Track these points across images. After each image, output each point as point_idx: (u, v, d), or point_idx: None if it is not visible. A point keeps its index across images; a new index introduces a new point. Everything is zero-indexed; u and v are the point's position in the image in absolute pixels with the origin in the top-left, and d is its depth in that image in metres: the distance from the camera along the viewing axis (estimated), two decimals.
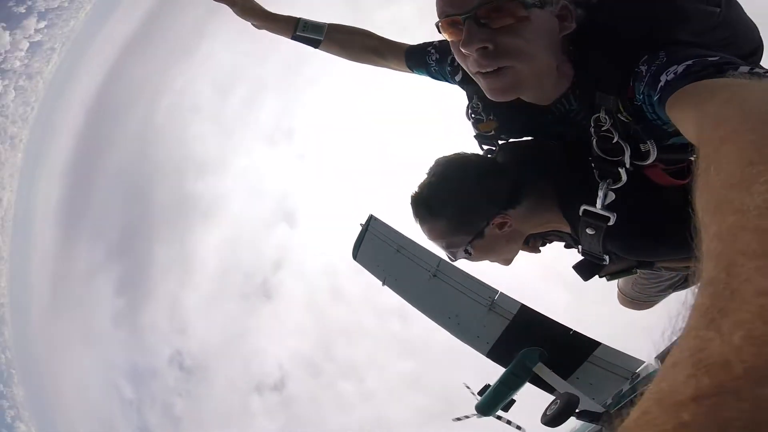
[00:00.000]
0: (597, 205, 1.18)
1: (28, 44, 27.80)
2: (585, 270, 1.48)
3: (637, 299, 2.06)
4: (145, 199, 31.60)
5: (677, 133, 1.05)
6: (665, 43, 1.04)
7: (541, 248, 1.70)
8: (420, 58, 1.61)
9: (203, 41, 30.61)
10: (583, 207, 1.21)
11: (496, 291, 4.21)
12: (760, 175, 0.37)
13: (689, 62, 0.90)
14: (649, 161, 1.15)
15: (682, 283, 1.92)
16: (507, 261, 1.51)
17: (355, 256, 4.37)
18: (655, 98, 0.97)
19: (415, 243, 4.18)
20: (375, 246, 4.32)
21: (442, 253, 1.52)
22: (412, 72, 1.69)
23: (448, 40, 1.17)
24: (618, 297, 2.16)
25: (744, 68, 0.85)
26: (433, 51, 1.56)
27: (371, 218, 4.34)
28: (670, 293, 1.97)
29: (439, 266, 4.22)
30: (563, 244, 1.61)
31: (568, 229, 1.40)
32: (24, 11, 25.84)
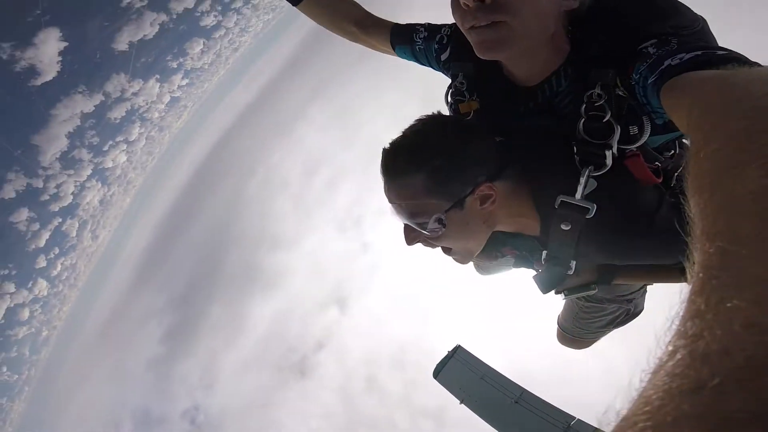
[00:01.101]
0: (576, 194, 1.12)
1: (169, 98, 29.64)
2: (546, 280, 1.38)
3: (578, 336, 2.00)
4: (217, 260, 34.20)
5: (658, 131, 1.10)
6: (670, 33, 1.05)
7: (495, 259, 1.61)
8: (407, 35, 1.55)
9: (301, 122, 34.31)
10: (560, 198, 1.13)
11: (573, 417, 4.30)
12: (751, 161, 0.37)
13: (698, 52, 0.89)
14: (639, 143, 1.12)
15: (623, 319, 1.90)
16: (469, 254, 1.33)
17: (435, 375, 4.62)
18: (651, 80, 0.96)
19: (500, 374, 4.51)
20: (459, 371, 4.57)
21: (399, 224, 1.27)
22: (394, 51, 1.61)
23: None
24: (557, 335, 2.11)
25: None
26: (421, 29, 1.52)
27: (458, 347, 4.71)
28: (610, 330, 1.93)
29: (522, 395, 4.44)
30: (512, 263, 1.55)
31: (535, 229, 1.28)
32: (176, 66, 27.74)
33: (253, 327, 30.90)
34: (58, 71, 17.56)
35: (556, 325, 2.11)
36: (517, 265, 1.55)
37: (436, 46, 1.48)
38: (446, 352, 4.75)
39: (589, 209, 1.11)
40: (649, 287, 1.84)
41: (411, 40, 1.54)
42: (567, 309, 2.02)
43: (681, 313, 0.30)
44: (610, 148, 1.10)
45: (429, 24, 1.53)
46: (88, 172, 26.03)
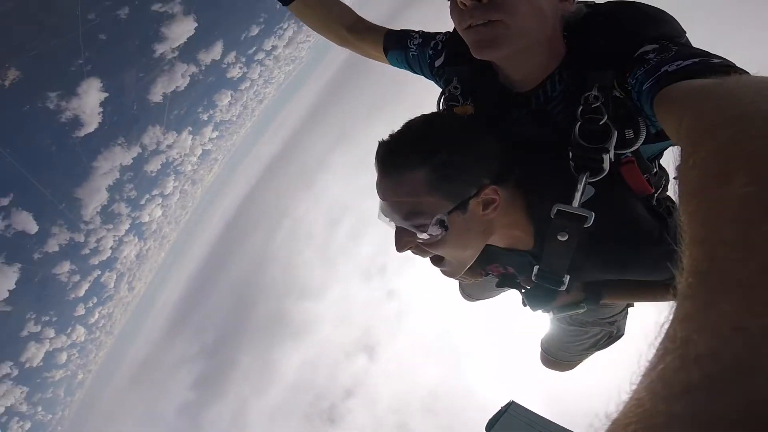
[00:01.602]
0: (574, 203, 1.07)
1: (201, 151, 29.83)
2: (538, 298, 1.33)
3: (562, 359, 1.99)
4: (246, 310, 34.78)
5: (650, 139, 1.09)
6: (667, 39, 1.04)
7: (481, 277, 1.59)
8: (401, 40, 1.52)
9: (323, 172, 35.20)
10: (556, 207, 1.08)
11: None
12: (737, 168, 0.37)
13: (696, 59, 0.88)
14: (634, 147, 1.09)
15: (606, 341, 1.89)
16: (462, 266, 1.22)
17: (488, 430, 4.58)
18: (646, 86, 0.94)
19: (559, 426, 4.39)
20: (512, 426, 4.50)
21: (389, 223, 1.17)
22: (386, 57, 1.57)
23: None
24: (541, 358, 2.10)
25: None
26: (416, 35, 1.49)
27: (511, 403, 4.63)
28: (593, 352, 1.94)
29: None
30: (496, 282, 1.50)
31: (528, 243, 1.22)
32: (206, 119, 28.07)
33: (281, 375, 30.89)
34: (99, 122, 18.18)
35: (540, 349, 2.10)
36: (501, 284, 1.50)
37: (430, 52, 1.45)
38: (499, 408, 4.70)
39: (587, 218, 1.05)
40: (630, 310, 1.84)
41: (405, 46, 1.51)
42: (550, 332, 2.01)
43: (671, 318, 0.31)
44: (608, 152, 1.06)
45: (423, 31, 1.51)
46: (126, 226, 26.63)
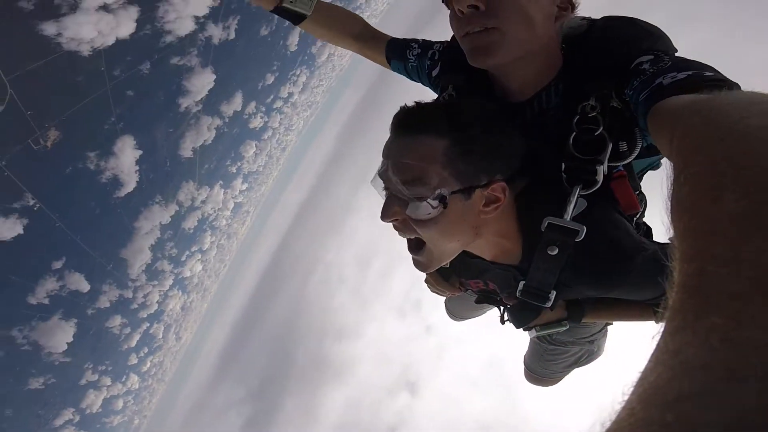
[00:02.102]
0: (565, 216, 1.04)
1: (233, 204, 30.79)
2: (523, 314, 1.33)
3: (544, 375, 1.98)
4: (288, 354, 35.52)
5: (642, 153, 1.07)
6: (662, 51, 1.05)
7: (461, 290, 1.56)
8: (401, 51, 1.54)
9: (350, 215, 36.79)
10: (547, 220, 1.05)
11: None
12: (728, 184, 0.38)
13: (689, 72, 0.88)
14: (628, 160, 1.08)
15: (586, 359, 1.90)
16: (440, 259, 1.16)
17: None
18: (642, 97, 0.93)
19: None
20: None
21: (380, 190, 1.14)
22: (389, 65, 1.60)
23: (447, 6, 1.14)
24: (524, 374, 2.10)
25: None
26: (415, 45, 1.50)
27: None
28: (574, 368, 1.94)
29: None
30: (474, 298, 1.49)
31: (515, 256, 1.18)
32: (235, 171, 28.73)
33: (326, 415, 30.99)
34: (137, 181, 19.23)
35: (523, 365, 2.07)
36: (479, 300, 1.48)
37: (428, 63, 1.46)
38: None
39: (578, 232, 1.02)
40: (609, 329, 1.87)
41: (404, 57, 1.53)
42: (532, 350, 1.98)
43: (662, 330, 0.32)
44: (602, 164, 1.04)
45: (423, 40, 1.52)
46: (170, 282, 28.09)
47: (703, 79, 0.86)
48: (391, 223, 1.13)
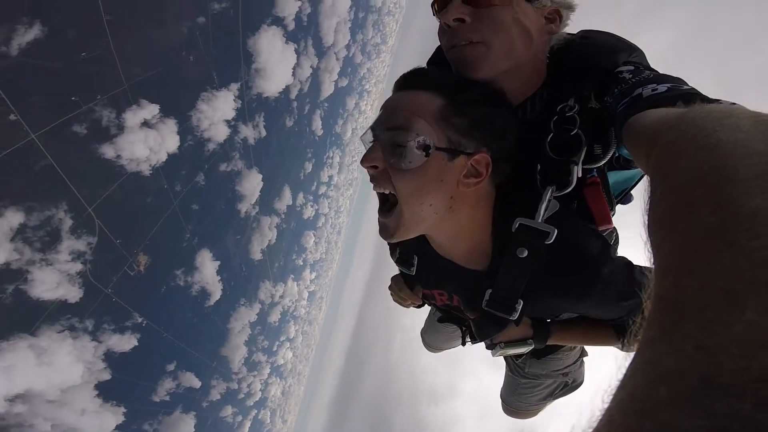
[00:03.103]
0: (537, 217, 1.02)
1: (307, 294, 32.73)
2: (487, 326, 1.23)
3: (520, 408, 1.94)
4: (387, 423, 36.54)
5: (614, 165, 1.11)
6: (642, 64, 1.07)
7: (419, 304, 1.55)
8: None
9: None
10: (518, 221, 1.03)
11: None
12: (701, 199, 0.39)
13: (669, 85, 0.88)
14: (601, 163, 1.08)
15: (562, 390, 1.85)
16: (411, 222, 1.06)
17: None
18: (621, 106, 0.92)
19: None
20: None
21: (368, 144, 1.08)
22: None
23: (435, 16, 1.16)
24: (502, 408, 2.08)
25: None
26: None
27: None
28: (551, 401, 1.89)
29: None
30: (438, 317, 1.47)
31: (483, 260, 1.14)
32: (302, 263, 30.33)
33: None
34: (222, 289, 21.73)
35: (500, 400, 2.05)
36: (443, 320, 1.49)
37: None
38: None
39: (549, 233, 1.00)
40: (586, 359, 1.86)
41: None
42: (507, 384, 1.96)
43: (639, 340, 0.33)
44: (576, 164, 1.03)
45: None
46: (268, 371, 30.70)
47: (681, 92, 0.85)
48: (369, 173, 1.07)
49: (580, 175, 1.06)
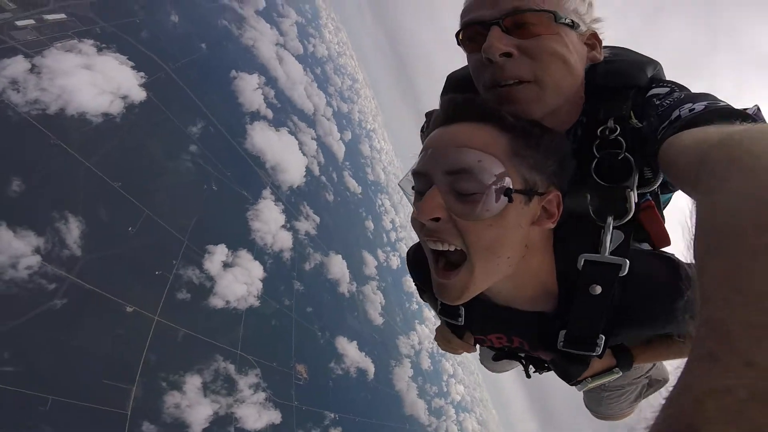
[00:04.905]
0: (603, 251, 0.94)
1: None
2: (572, 368, 1.14)
3: (613, 416, 1.79)
4: None
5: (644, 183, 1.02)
6: (676, 85, 1.02)
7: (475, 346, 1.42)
8: None
9: None
10: (583, 257, 0.95)
11: None
12: (753, 221, 0.39)
13: (706, 103, 0.84)
14: (654, 186, 1.02)
15: (648, 390, 1.73)
16: (481, 279, 0.93)
17: None
18: (661, 131, 0.88)
19: None
20: None
21: (411, 190, 1.02)
22: None
23: (464, 50, 1.06)
24: (593, 416, 1.91)
25: (745, 116, 0.79)
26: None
27: None
28: (640, 401, 1.76)
29: None
30: (492, 354, 1.38)
31: (549, 301, 1.04)
32: (417, 306, 32.87)
33: None
34: (372, 362, 25.10)
35: (589, 411, 1.89)
36: (498, 357, 1.35)
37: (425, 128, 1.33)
38: None
39: (621, 266, 0.93)
40: None
41: None
42: (590, 398, 1.82)
43: (686, 359, 0.34)
44: (631, 189, 0.96)
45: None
46: (452, 411, 33.06)
47: (718, 110, 0.81)
48: (426, 227, 0.93)
49: (636, 200, 0.97)
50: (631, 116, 1.01)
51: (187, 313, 17.72)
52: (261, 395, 20.81)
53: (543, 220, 0.93)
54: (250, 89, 27.68)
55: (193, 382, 17.06)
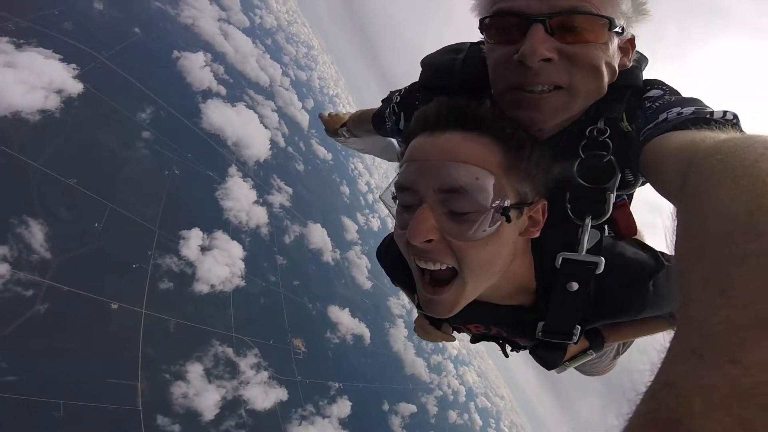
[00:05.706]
0: (580, 249, 0.97)
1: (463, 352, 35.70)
2: (551, 356, 1.19)
3: (597, 372, 1.91)
4: None
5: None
6: (669, 89, 1.03)
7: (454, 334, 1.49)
8: (380, 124, 1.54)
9: None
10: (561, 255, 0.97)
11: None
12: (743, 227, 0.40)
13: (695, 108, 0.85)
14: (634, 189, 1.06)
15: (623, 347, 1.80)
16: (472, 291, 0.95)
17: None
18: (646, 132, 0.89)
19: None
20: None
21: (393, 205, 0.99)
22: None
23: (487, 39, 0.99)
24: (581, 373, 1.95)
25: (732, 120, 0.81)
26: (390, 112, 1.44)
27: None
28: (618, 358, 1.86)
29: None
30: (472, 336, 1.38)
31: (528, 295, 1.09)
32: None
33: None
34: (367, 327, 25.51)
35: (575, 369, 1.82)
36: (475, 340, 1.39)
37: (393, 118, 1.39)
38: None
39: (597, 264, 0.95)
40: None
41: (384, 129, 1.52)
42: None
43: (666, 355, 0.35)
44: (612, 192, 0.97)
45: (400, 99, 1.41)
46: (451, 365, 34.18)
47: (705, 116, 0.81)
48: (418, 248, 0.89)
49: (613, 201, 0.99)
50: (623, 119, 1.02)
51: (173, 303, 17.29)
52: (264, 374, 20.69)
53: (529, 230, 0.96)
54: (197, 68, 26.71)
55: (195, 370, 16.76)
